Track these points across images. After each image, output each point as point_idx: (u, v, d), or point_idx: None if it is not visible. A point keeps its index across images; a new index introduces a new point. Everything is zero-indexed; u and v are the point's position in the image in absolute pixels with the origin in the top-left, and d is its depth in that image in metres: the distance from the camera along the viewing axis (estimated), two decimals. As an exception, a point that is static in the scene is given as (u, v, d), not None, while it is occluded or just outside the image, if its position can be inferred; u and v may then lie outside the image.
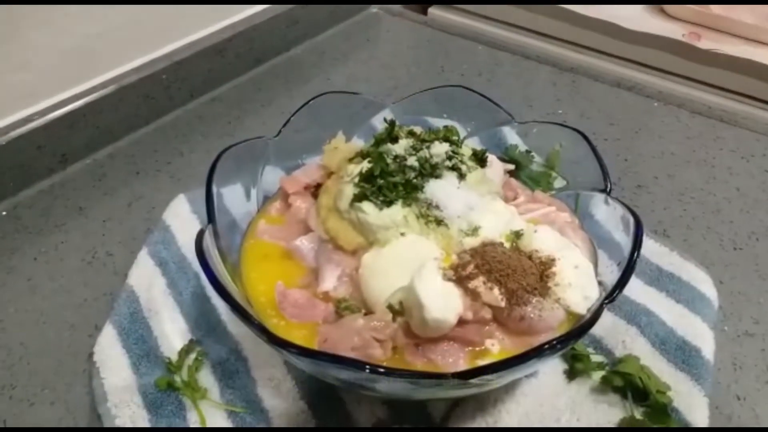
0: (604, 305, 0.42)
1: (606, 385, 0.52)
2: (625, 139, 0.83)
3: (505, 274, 0.45)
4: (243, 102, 0.92)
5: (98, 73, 0.80)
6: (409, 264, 0.48)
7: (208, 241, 0.46)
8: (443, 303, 0.44)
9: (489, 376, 0.40)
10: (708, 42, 0.95)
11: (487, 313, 0.45)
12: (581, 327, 0.40)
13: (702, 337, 0.55)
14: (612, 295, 0.42)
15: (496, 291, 0.45)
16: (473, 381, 0.40)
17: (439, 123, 0.72)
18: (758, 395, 0.53)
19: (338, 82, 0.96)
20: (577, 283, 0.46)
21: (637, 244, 0.44)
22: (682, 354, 0.54)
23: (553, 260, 0.47)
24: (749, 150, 0.80)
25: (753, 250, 0.67)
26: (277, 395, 0.53)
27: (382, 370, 0.38)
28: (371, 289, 0.49)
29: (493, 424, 0.50)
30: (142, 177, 0.78)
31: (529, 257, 0.47)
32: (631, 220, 0.46)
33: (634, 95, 0.91)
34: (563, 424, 0.50)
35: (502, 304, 0.45)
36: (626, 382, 0.51)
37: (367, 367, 0.38)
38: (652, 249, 0.64)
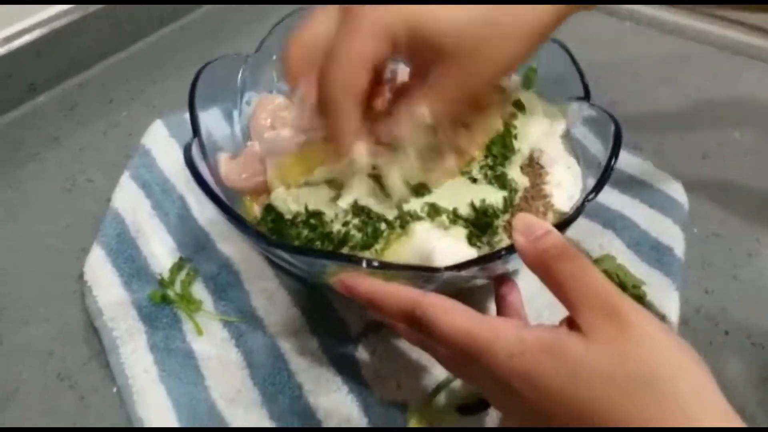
0: (587, 201, 0.44)
1: (585, 283, 0.54)
2: (597, 60, 0.83)
3: None
4: (215, 30, 0.90)
5: (62, -2, 0.77)
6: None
7: (195, 153, 0.46)
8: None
9: (478, 268, 0.41)
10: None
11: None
12: (566, 220, 0.42)
13: (674, 237, 0.58)
14: (594, 192, 0.44)
15: None
16: (463, 273, 0.42)
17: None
18: (726, 289, 0.57)
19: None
20: (566, 183, 0.48)
21: (616, 143, 0.46)
22: (656, 253, 0.57)
23: (553, 159, 0.48)
24: (717, 68, 0.82)
25: (721, 158, 0.70)
26: (271, 305, 0.54)
27: (376, 264, 0.40)
28: None
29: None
30: (115, 105, 0.77)
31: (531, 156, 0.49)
32: (610, 122, 0.48)
33: (607, 17, 0.92)
34: (545, 320, 0.53)
35: None
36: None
37: (364, 260, 0.39)
38: (626, 160, 0.66)
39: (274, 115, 0.57)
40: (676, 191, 0.63)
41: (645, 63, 0.84)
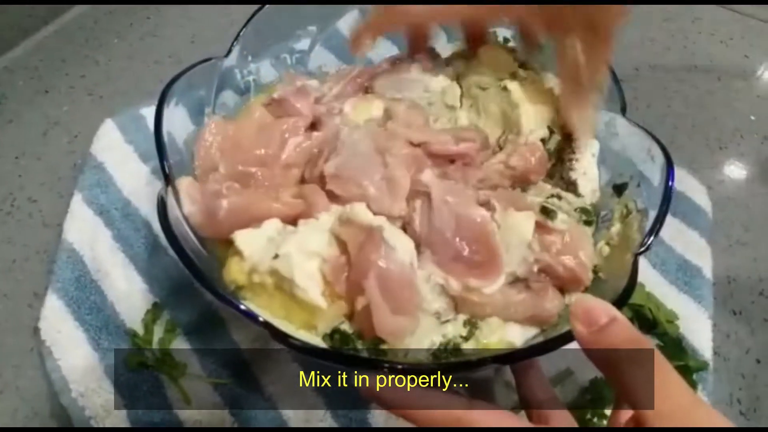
0: (638, 255, 0.38)
1: (613, 316, 0.50)
2: (600, 23, 0.76)
3: None
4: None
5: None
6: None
7: (174, 220, 0.37)
8: None
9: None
10: None
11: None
12: (626, 289, 0.36)
13: (700, 254, 0.54)
14: (644, 246, 0.38)
15: None
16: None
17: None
18: (753, 308, 0.53)
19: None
20: (591, 172, 0.44)
21: (666, 196, 0.39)
22: (684, 275, 0.53)
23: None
24: (728, 33, 0.75)
25: (738, 148, 0.64)
26: (266, 359, 0.48)
27: (400, 366, 0.33)
28: None
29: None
30: (53, 96, 0.65)
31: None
32: (660, 157, 0.41)
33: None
34: (570, 359, 0.48)
35: None
36: (634, 313, 0.49)
37: (385, 365, 0.33)
38: (644, 157, 0.60)
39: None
40: (699, 195, 0.58)
41: (652, 28, 0.76)
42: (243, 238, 0.38)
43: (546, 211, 0.40)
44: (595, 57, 0.42)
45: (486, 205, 0.40)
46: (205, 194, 0.40)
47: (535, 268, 0.39)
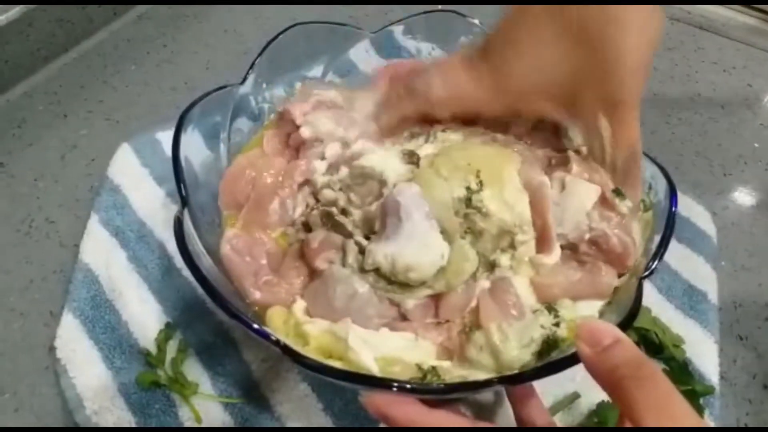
0: (642, 280, 0.39)
1: (619, 340, 0.50)
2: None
3: None
4: (176, 18, 0.79)
5: (-3, -7, 0.66)
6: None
7: (190, 240, 0.38)
8: None
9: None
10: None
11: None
12: (629, 314, 0.37)
13: (706, 279, 0.55)
14: (650, 269, 0.39)
15: None
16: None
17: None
18: (759, 333, 0.54)
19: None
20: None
21: (670, 221, 0.41)
22: (689, 300, 0.53)
23: None
24: (731, 61, 0.77)
25: (742, 175, 0.65)
26: (275, 379, 0.48)
27: (408, 387, 0.34)
28: None
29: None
30: (71, 121, 0.67)
31: None
32: (664, 183, 0.42)
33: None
34: (578, 382, 0.49)
35: None
36: (641, 337, 0.49)
37: (394, 385, 0.34)
38: (649, 183, 0.61)
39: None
40: (704, 221, 0.59)
41: (655, 56, 0.77)
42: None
43: (618, 192, 0.43)
44: (620, 137, 0.42)
45: (563, 165, 0.44)
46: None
47: (587, 236, 0.42)
